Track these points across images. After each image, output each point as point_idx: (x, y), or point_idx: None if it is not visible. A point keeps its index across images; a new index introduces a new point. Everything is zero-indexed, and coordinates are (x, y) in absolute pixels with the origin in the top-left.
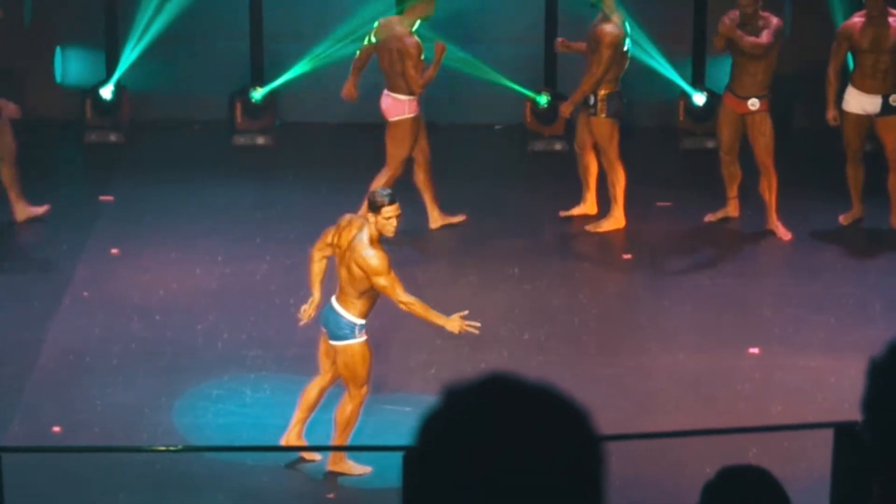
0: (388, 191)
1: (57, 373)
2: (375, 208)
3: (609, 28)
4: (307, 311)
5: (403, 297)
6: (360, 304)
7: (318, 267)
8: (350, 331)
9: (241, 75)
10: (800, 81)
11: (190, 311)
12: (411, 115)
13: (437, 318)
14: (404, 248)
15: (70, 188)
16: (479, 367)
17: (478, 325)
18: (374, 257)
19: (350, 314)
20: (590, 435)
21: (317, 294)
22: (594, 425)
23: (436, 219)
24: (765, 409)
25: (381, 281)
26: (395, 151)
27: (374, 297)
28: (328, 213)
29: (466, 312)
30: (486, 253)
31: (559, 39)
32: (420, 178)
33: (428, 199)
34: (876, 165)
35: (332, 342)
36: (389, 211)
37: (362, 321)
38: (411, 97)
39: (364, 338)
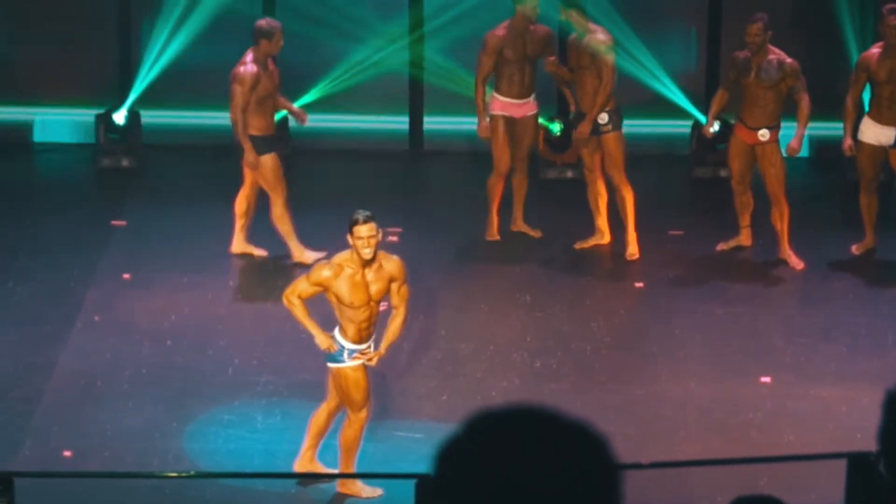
0: (366, 212)
1: (68, 397)
2: (349, 227)
3: (603, 37)
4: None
5: (291, 295)
6: (348, 329)
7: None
8: (339, 354)
9: None
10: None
11: (201, 336)
12: (493, 112)
13: (312, 327)
14: (416, 273)
15: (82, 212)
16: (490, 394)
17: (335, 349)
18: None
19: (341, 337)
20: (609, 465)
21: (382, 348)
22: (614, 454)
23: (517, 223)
24: (776, 438)
25: (301, 277)
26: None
27: (358, 322)
28: (341, 239)
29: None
30: (497, 280)
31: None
32: (513, 180)
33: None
34: (889, 196)
35: (326, 363)
36: (360, 230)
37: (353, 346)
38: (495, 94)
39: (355, 363)
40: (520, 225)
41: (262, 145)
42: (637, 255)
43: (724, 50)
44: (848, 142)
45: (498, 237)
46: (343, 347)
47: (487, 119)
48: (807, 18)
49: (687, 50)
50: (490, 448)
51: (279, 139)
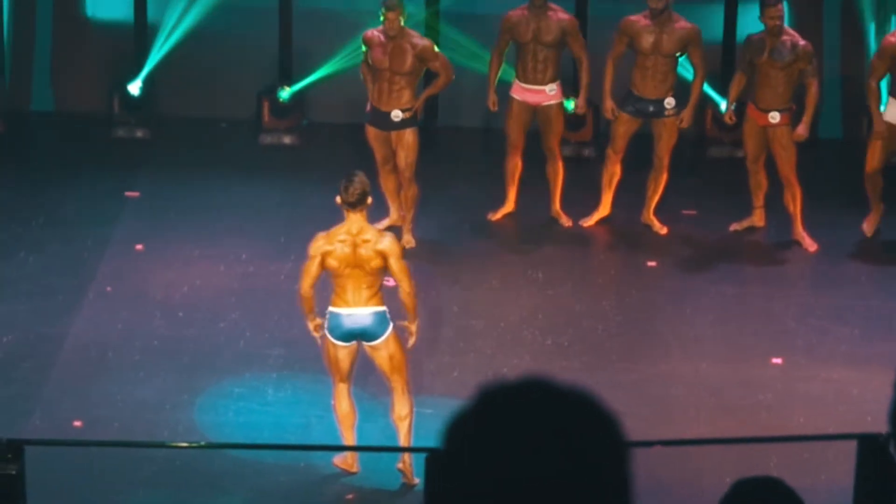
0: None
1: (78, 367)
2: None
3: (692, 24)
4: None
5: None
6: (380, 293)
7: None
8: (388, 321)
9: (269, 74)
10: (827, 92)
11: (213, 309)
12: (510, 92)
13: (414, 316)
14: (428, 250)
15: (96, 183)
16: (502, 370)
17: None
18: (391, 239)
19: (381, 307)
20: (619, 440)
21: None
22: (623, 430)
23: (553, 208)
24: (786, 419)
25: (403, 264)
26: None
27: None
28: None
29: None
30: (509, 257)
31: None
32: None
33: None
34: None
35: (374, 343)
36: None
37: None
38: (515, 77)
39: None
40: (555, 210)
41: (368, 116)
42: (665, 231)
43: (739, 28)
44: (881, 123)
45: (498, 217)
46: (386, 312)
47: (495, 94)
48: (826, 1)
49: (702, 28)
50: (499, 421)
51: (380, 114)
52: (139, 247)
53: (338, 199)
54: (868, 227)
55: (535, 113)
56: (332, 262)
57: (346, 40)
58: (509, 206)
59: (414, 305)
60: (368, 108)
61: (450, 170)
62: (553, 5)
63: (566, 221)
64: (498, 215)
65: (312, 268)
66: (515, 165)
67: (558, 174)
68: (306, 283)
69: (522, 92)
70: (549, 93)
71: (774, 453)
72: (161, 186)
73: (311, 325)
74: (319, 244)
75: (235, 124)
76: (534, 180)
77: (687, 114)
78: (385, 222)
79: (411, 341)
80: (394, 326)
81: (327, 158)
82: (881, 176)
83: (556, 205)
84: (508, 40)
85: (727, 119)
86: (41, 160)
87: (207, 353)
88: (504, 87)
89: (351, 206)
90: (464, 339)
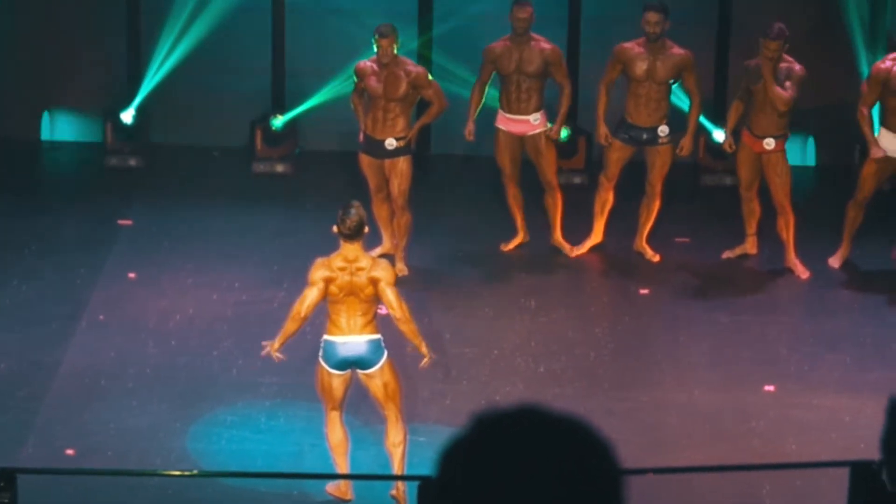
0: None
1: (72, 395)
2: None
3: (686, 50)
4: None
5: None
6: (374, 321)
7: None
8: (383, 349)
9: (262, 103)
10: (820, 119)
11: (206, 337)
12: (496, 123)
13: (419, 340)
14: (421, 278)
15: (89, 211)
16: (494, 398)
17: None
18: (384, 266)
19: (376, 335)
20: (613, 469)
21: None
22: (617, 459)
23: (553, 237)
24: (779, 446)
25: (394, 290)
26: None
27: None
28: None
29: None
30: (502, 285)
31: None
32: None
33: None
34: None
35: (368, 371)
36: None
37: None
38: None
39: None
40: (557, 239)
41: (362, 144)
42: (657, 258)
43: (732, 56)
44: (876, 148)
45: (511, 248)
46: (381, 339)
47: (474, 124)
48: (818, 30)
49: (696, 56)
50: (493, 449)
51: (374, 142)
52: (132, 275)
53: (334, 228)
54: (836, 262)
55: (523, 143)
56: (332, 289)
57: (339, 69)
58: (521, 234)
59: (413, 330)
60: (361, 138)
61: (443, 198)
62: (535, 35)
63: (569, 250)
64: (511, 246)
65: (314, 293)
66: (515, 195)
67: (557, 204)
68: (304, 306)
69: (507, 122)
70: (533, 122)
71: (767, 480)
72: (154, 215)
73: (277, 344)
74: (321, 272)
75: (228, 153)
76: (527, 208)
77: (686, 141)
78: (378, 250)
79: (425, 361)
80: (403, 352)
81: (320, 187)
82: (863, 210)
83: (557, 234)
84: (491, 72)
85: (726, 147)
86: (34, 188)
87: (200, 382)
88: (489, 116)
89: (347, 236)
90: (457, 367)
